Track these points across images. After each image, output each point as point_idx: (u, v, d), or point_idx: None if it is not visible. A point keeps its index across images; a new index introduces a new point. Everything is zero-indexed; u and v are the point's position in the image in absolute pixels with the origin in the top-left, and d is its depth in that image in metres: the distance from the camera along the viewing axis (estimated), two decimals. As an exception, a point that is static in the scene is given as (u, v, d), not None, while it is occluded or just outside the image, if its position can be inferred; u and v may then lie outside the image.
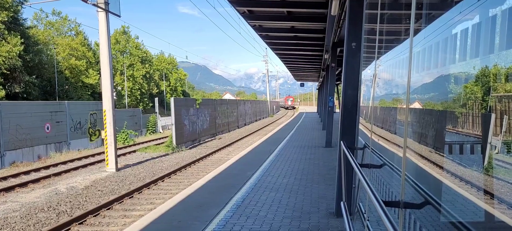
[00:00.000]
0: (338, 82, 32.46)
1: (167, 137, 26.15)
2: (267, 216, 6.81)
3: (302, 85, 64.39)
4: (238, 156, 14.89)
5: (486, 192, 2.94)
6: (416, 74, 3.76)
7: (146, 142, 28.35)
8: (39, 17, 45.00)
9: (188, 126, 25.36)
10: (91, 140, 26.40)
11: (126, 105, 50.41)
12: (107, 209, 10.47)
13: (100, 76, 18.88)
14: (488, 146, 3.23)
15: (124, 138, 27.27)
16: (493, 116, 3.14)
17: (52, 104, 24.46)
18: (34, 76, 32.34)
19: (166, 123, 38.35)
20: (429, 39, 3.88)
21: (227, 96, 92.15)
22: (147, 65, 58.59)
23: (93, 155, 21.54)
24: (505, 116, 3.02)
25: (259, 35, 18.22)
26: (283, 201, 7.75)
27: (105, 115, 16.10)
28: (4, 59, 28.38)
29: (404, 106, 3.62)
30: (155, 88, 62.19)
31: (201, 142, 27.18)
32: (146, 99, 57.49)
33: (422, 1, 3.33)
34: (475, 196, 3.07)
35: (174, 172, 15.29)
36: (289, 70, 44.36)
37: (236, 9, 13.41)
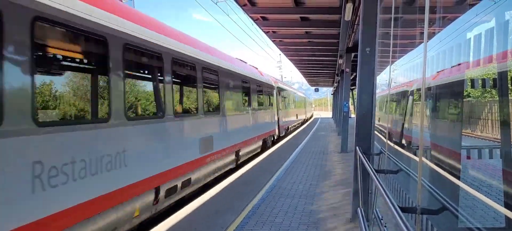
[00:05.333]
0: (353, 88, 32.24)
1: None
2: (283, 222, 6.80)
3: (316, 90, 64.19)
4: (252, 163, 14.88)
5: (506, 198, 2.88)
6: (431, 79, 3.72)
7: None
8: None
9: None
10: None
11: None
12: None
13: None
14: (508, 150, 3.17)
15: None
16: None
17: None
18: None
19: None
20: (444, 43, 3.85)
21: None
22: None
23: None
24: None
25: (272, 41, 18.30)
26: (299, 207, 7.73)
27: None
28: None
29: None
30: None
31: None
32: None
33: (435, 5, 3.32)
34: (494, 202, 3.01)
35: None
36: (304, 76, 44.33)
37: (250, 16, 13.52)
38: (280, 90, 24.09)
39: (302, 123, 43.44)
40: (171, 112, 7.52)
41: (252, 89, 15.07)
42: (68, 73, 5.42)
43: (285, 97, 27.07)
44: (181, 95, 8.99)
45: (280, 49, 21.26)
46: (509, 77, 3.01)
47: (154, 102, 7.29)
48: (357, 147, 6.11)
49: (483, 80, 3.41)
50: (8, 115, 3.91)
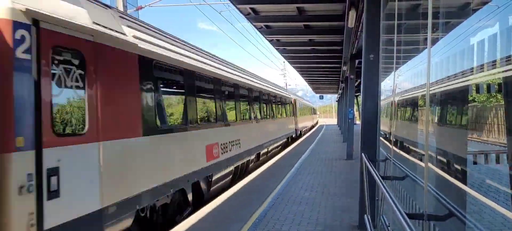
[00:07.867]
0: (357, 94, 32.17)
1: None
2: (290, 230, 6.77)
3: (321, 97, 64.12)
4: (260, 170, 14.86)
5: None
6: (435, 84, 3.71)
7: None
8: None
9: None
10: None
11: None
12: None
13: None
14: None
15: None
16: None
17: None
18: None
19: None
20: (448, 48, 3.85)
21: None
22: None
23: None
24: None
25: (276, 49, 18.36)
26: (306, 214, 7.70)
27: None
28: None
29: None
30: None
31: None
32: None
33: (438, 10, 3.32)
34: (503, 207, 2.99)
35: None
36: (308, 83, 44.34)
37: (254, 25, 13.59)
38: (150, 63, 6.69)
39: (291, 140, 26.73)
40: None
41: None
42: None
43: (192, 96, 8.83)
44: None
45: (284, 57, 21.31)
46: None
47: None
48: (362, 154, 6.10)
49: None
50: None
